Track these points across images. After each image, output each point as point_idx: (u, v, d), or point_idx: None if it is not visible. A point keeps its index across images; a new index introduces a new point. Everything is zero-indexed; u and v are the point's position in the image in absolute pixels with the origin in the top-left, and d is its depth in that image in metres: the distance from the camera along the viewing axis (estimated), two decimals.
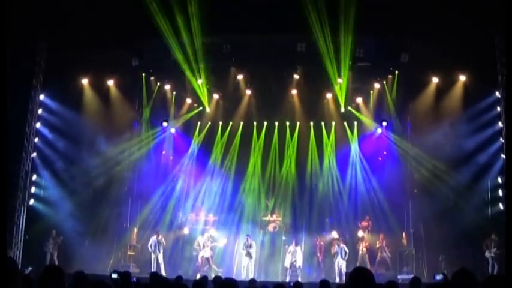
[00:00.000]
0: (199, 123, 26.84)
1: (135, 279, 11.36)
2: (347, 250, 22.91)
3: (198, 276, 19.91)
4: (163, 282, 10.39)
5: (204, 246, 23.82)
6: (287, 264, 23.27)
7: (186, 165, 26.60)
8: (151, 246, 23.21)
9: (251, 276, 21.51)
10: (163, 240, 23.42)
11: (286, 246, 24.01)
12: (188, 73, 24.27)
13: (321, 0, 20.86)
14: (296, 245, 23.57)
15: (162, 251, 23.28)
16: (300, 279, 21.05)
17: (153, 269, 22.01)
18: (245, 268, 23.13)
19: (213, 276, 16.05)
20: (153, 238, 23.36)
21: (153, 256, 23.17)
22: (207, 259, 23.66)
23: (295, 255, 23.27)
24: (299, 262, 23.19)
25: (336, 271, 22.72)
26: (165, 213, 25.43)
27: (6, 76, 7.35)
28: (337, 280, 21.77)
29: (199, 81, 24.86)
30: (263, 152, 26.58)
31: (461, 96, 23.08)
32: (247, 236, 23.77)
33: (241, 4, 20.67)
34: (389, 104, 25.14)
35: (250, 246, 23.41)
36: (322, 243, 24.39)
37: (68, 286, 7.36)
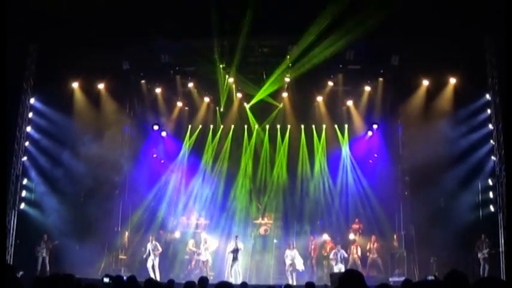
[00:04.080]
0: (190, 126, 26.80)
1: (124, 277, 11.32)
2: (346, 255, 22.94)
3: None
4: (154, 286, 10.34)
5: (205, 250, 23.87)
6: (288, 267, 23.11)
7: (177, 168, 26.57)
8: (148, 250, 23.19)
9: (239, 279, 21.44)
10: (159, 246, 23.37)
11: (283, 250, 23.88)
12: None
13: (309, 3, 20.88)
14: (293, 248, 23.47)
15: (157, 256, 23.20)
16: (294, 282, 21.09)
17: (151, 274, 22.10)
18: (233, 272, 22.83)
19: None
20: (149, 244, 23.34)
21: (149, 261, 23.10)
22: (203, 262, 23.68)
23: (294, 258, 23.17)
24: (299, 266, 23.11)
25: (326, 272, 22.61)
26: (156, 217, 25.38)
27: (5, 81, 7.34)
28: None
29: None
30: (254, 155, 26.58)
31: (451, 98, 23.07)
32: (236, 237, 23.54)
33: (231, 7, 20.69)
34: (380, 106, 25.20)
35: (237, 249, 22.99)
36: (317, 243, 24.46)
37: None
